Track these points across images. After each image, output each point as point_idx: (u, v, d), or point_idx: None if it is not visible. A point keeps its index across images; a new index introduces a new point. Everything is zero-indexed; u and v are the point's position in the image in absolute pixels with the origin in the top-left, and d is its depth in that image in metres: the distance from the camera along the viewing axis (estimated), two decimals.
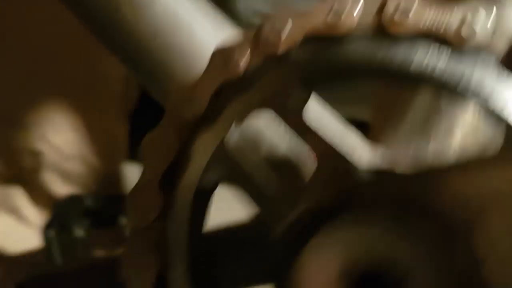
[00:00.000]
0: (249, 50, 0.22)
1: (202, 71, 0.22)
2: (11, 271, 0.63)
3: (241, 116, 0.22)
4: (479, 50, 0.19)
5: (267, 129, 0.23)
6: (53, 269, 0.51)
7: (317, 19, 0.21)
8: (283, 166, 0.23)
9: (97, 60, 0.61)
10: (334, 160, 0.19)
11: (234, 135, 0.22)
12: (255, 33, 0.22)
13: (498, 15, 0.20)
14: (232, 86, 0.22)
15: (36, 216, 0.64)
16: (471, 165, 0.17)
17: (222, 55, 0.22)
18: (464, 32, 0.19)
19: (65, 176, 0.63)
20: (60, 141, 0.62)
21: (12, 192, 0.64)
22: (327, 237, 0.17)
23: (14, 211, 0.64)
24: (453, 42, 0.19)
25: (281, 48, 0.21)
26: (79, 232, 0.55)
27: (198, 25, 0.29)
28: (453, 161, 0.18)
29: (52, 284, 0.47)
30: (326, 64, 0.21)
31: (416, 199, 0.16)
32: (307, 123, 0.20)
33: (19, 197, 0.64)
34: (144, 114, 0.64)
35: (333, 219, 0.17)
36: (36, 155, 0.62)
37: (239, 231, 0.26)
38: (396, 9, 0.21)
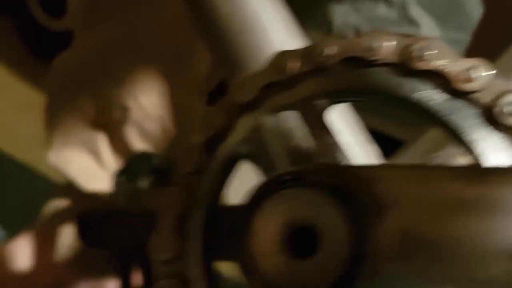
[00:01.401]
0: (300, 60, 0.28)
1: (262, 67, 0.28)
2: (78, 203, 0.72)
3: (276, 110, 0.28)
4: (471, 99, 0.24)
5: (295, 126, 0.29)
6: (115, 208, 0.57)
7: (358, 45, 0.27)
8: (303, 158, 0.29)
9: (189, 42, 0.68)
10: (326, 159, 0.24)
11: (268, 122, 0.27)
12: (309, 48, 0.28)
13: (494, 77, 0.24)
14: (277, 84, 0.28)
15: (111, 162, 0.71)
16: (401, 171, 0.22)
17: (278, 59, 0.28)
18: (463, 76, 0.24)
19: (143, 133, 0.69)
20: (146, 102, 0.67)
21: (96, 136, 0.70)
22: (275, 201, 0.23)
23: (94, 153, 0.71)
24: (452, 84, 0.24)
25: (324, 63, 0.27)
26: (143, 184, 0.61)
27: (275, 32, 0.35)
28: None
29: (109, 220, 0.54)
30: (354, 83, 0.26)
31: (344, 187, 0.21)
32: (323, 126, 0.26)
33: (101, 142, 0.71)
34: None
35: (283, 189, 0.23)
36: (124, 110, 0.67)
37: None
38: (420, 49, 0.25)
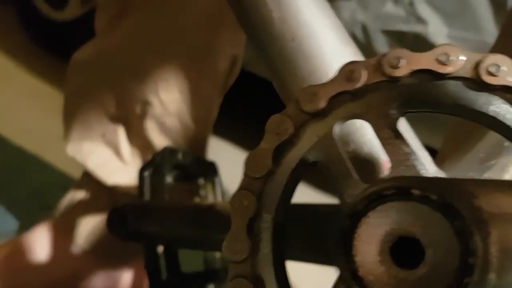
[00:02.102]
0: (370, 71, 0.29)
1: (327, 77, 0.29)
2: (97, 195, 0.73)
3: (346, 119, 0.29)
4: None
5: (360, 132, 0.30)
6: (143, 202, 0.58)
7: (429, 58, 0.28)
8: (364, 163, 0.30)
9: (212, 39, 0.69)
10: (405, 167, 0.26)
11: (337, 129, 0.29)
12: (379, 59, 0.29)
13: None
14: (347, 94, 0.29)
15: (129, 155, 0.72)
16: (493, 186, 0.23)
17: (349, 70, 0.29)
18: None
19: (163, 128, 0.70)
20: (167, 98, 0.68)
21: (116, 129, 0.71)
22: (380, 213, 0.24)
23: (113, 146, 0.72)
24: None
25: (395, 75, 0.28)
26: (168, 178, 0.62)
27: (330, 38, 0.36)
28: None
29: (142, 212, 0.55)
30: (425, 94, 0.28)
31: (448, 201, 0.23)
32: (398, 135, 0.27)
33: (120, 135, 0.72)
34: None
35: (387, 202, 0.24)
36: (146, 105, 0.68)
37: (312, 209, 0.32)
38: (492, 64, 0.27)
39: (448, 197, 0.23)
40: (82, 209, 0.73)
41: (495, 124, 0.26)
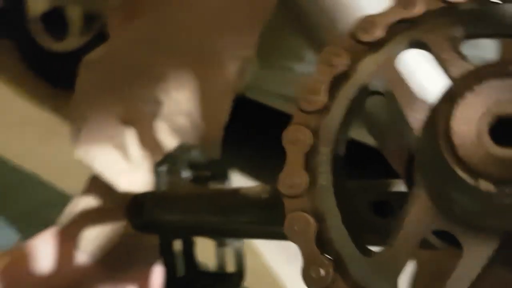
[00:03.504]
0: None
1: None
2: (104, 198, 0.71)
3: (407, 46, 0.28)
4: None
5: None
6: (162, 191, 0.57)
7: None
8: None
9: (219, 39, 0.69)
10: None
11: (399, 58, 0.28)
12: None
13: None
14: (406, 23, 0.28)
15: (138, 156, 0.70)
16: None
17: None
18: None
19: (174, 127, 0.69)
20: (178, 96, 0.67)
21: (124, 131, 0.71)
22: (480, 93, 0.23)
23: (121, 148, 0.71)
24: None
25: (453, 1, 0.28)
26: (185, 173, 0.61)
27: None
28: None
29: (161, 199, 0.54)
30: (486, 17, 0.27)
31: None
32: (461, 58, 0.27)
33: (129, 137, 0.71)
34: None
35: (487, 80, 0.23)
36: (157, 104, 0.67)
37: None
38: None
39: None
40: (87, 215, 0.71)
41: None
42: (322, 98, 0.28)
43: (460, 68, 0.26)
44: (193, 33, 0.68)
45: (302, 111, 0.28)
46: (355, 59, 0.29)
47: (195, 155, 0.65)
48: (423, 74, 0.29)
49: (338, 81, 0.29)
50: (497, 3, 0.27)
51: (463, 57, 0.27)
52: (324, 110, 0.28)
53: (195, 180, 0.65)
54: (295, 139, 0.28)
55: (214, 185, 0.67)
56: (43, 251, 0.69)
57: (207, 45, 0.68)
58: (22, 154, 1.15)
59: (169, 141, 0.69)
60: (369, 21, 0.28)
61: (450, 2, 0.27)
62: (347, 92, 0.28)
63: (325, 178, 0.27)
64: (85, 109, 0.72)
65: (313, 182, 0.27)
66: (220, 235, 0.54)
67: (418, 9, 0.28)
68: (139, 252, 0.69)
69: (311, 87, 0.28)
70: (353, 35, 0.29)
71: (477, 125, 0.22)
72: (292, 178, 0.27)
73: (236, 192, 0.49)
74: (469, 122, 0.22)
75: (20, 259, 0.69)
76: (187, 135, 0.69)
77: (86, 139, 0.71)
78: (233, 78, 0.70)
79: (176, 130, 0.69)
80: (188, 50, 0.68)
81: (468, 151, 0.22)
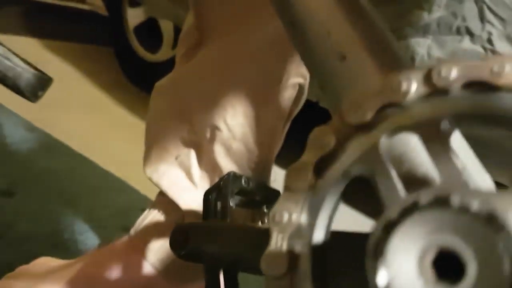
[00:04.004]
0: (419, 82, 0.27)
1: (372, 88, 0.28)
2: (170, 214, 0.75)
3: (394, 132, 0.27)
4: None
5: (411, 151, 0.28)
6: (205, 222, 0.59)
7: (483, 69, 0.26)
8: (411, 181, 0.28)
9: (278, 66, 0.70)
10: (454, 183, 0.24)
11: (384, 143, 0.27)
12: (428, 69, 0.27)
13: None
14: (394, 106, 0.27)
15: (197, 176, 0.74)
16: None
17: (394, 81, 0.28)
18: None
19: (229, 152, 0.71)
20: (234, 123, 0.70)
21: (187, 152, 0.74)
22: (417, 224, 0.22)
23: (185, 168, 0.75)
24: None
25: (445, 86, 0.26)
26: (231, 202, 0.62)
27: None
28: None
29: (203, 231, 0.55)
30: (479, 108, 0.25)
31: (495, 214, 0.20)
32: (450, 150, 0.25)
33: (191, 158, 0.74)
34: None
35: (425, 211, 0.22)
36: (214, 130, 0.70)
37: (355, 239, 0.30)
38: None
39: (496, 210, 0.20)
40: (155, 227, 0.76)
41: None
42: (307, 179, 0.28)
43: (447, 166, 0.24)
44: (253, 60, 0.70)
45: (289, 188, 0.28)
46: (342, 141, 0.28)
47: (245, 181, 0.66)
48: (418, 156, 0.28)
49: (326, 162, 0.28)
50: (491, 92, 0.25)
51: (449, 151, 0.25)
52: (309, 191, 0.28)
53: (247, 205, 0.67)
54: (280, 220, 0.28)
55: (265, 210, 0.69)
56: (114, 259, 0.75)
57: (265, 71, 0.70)
58: (109, 158, 1.21)
59: (225, 164, 0.72)
60: (357, 103, 0.28)
61: (442, 88, 0.26)
62: (333, 175, 0.28)
63: (305, 261, 0.27)
64: (155, 131, 0.77)
65: (294, 263, 0.27)
66: (258, 272, 0.55)
67: (409, 94, 0.27)
68: (199, 268, 0.72)
69: (299, 167, 0.28)
70: (340, 116, 0.28)
71: (415, 258, 0.21)
72: (275, 259, 0.28)
73: None
74: (407, 254, 0.21)
75: (94, 265, 0.75)
76: (241, 159, 0.72)
77: (155, 158, 0.76)
78: (288, 105, 0.72)
79: (231, 154, 0.72)
80: (247, 76, 0.70)
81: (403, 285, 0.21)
